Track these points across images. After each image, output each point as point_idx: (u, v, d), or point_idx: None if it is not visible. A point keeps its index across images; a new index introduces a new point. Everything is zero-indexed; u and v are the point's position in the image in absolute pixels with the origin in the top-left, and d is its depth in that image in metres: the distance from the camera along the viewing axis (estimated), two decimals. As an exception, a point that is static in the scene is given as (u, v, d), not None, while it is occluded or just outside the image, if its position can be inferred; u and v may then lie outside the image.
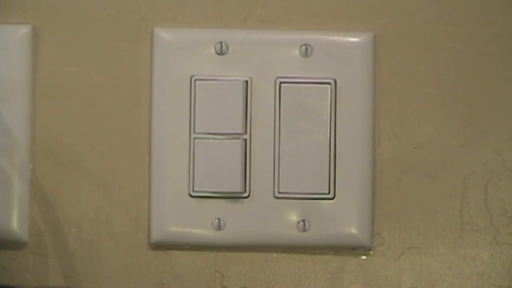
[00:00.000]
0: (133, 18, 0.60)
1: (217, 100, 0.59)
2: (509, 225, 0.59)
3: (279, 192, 0.59)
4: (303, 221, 0.59)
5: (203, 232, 0.59)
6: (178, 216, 0.59)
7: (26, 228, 0.60)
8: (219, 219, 0.59)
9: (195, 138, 0.59)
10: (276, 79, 0.59)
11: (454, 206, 0.59)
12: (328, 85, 0.59)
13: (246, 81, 0.59)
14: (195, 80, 0.59)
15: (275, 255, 0.60)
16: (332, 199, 0.59)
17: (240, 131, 0.59)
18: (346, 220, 0.59)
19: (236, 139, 0.59)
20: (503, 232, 0.59)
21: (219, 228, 0.59)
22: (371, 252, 0.60)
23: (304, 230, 0.59)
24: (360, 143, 0.59)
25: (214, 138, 0.59)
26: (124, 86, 0.60)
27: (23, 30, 0.59)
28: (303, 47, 0.59)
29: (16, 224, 0.60)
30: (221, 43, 0.59)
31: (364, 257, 0.60)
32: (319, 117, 0.59)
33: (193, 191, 0.59)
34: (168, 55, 0.59)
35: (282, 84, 0.59)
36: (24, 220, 0.60)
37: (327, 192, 0.59)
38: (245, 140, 0.59)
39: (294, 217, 0.59)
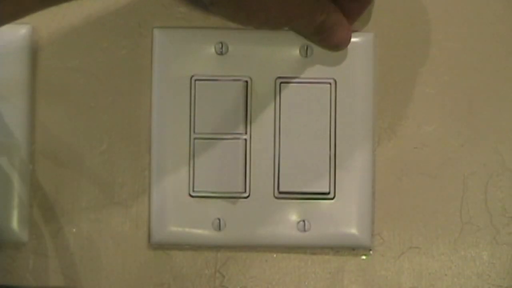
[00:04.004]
0: (133, 18, 0.60)
1: (217, 100, 0.59)
2: (509, 225, 0.59)
3: (279, 192, 0.59)
4: (303, 221, 0.59)
5: (203, 232, 0.59)
6: (178, 216, 0.59)
7: (26, 228, 0.60)
8: (219, 219, 0.59)
9: (195, 138, 0.59)
10: (276, 79, 0.59)
11: (454, 206, 0.59)
12: (328, 85, 0.59)
13: (246, 81, 0.59)
14: (195, 80, 0.59)
15: (275, 255, 0.60)
16: (332, 199, 0.59)
17: (240, 131, 0.59)
18: (346, 220, 0.59)
19: (236, 139, 0.59)
20: (503, 232, 0.59)
21: (219, 228, 0.59)
22: (371, 252, 0.60)
23: (304, 230, 0.59)
24: (360, 143, 0.59)
25: (214, 138, 0.59)
26: (124, 86, 0.60)
27: (23, 30, 0.59)
28: (303, 47, 0.59)
29: (16, 224, 0.60)
30: (221, 43, 0.59)
31: (364, 257, 0.60)
32: (319, 117, 0.59)
33: (193, 191, 0.59)
34: (168, 55, 0.59)
35: (282, 84, 0.59)
36: (24, 220, 0.60)
37: (327, 192, 0.59)
38: (245, 140, 0.59)
39: (294, 217, 0.59)
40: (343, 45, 0.58)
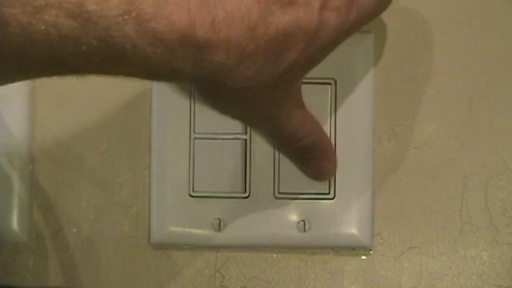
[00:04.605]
0: (133, 18, 0.60)
1: (217, 100, 0.59)
2: (509, 225, 0.59)
3: (279, 192, 0.59)
4: (303, 221, 0.59)
5: (203, 232, 0.59)
6: (178, 216, 0.59)
7: (26, 228, 0.60)
8: (219, 219, 0.59)
9: (195, 138, 0.59)
10: (276, 79, 0.59)
11: (454, 206, 0.59)
12: (328, 85, 0.59)
13: (246, 81, 0.59)
14: (195, 80, 0.59)
15: (275, 255, 0.60)
16: (332, 199, 0.59)
17: (240, 131, 0.59)
18: (346, 220, 0.59)
19: (236, 139, 0.59)
20: (503, 232, 0.59)
21: (219, 228, 0.59)
22: (371, 252, 0.60)
23: (304, 230, 0.59)
24: (360, 143, 0.59)
25: (214, 138, 0.59)
26: (124, 86, 0.60)
27: (23, 30, 0.59)
28: (303, 47, 0.59)
29: (16, 224, 0.60)
30: (221, 43, 0.59)
31: (364, 257, 0.60)
32: (319, 117, 0.59)
33: (193, 191, 0.59)
34: (168, 55, 0.59)
35: (282, 84, 0.59)
36: (24, 220, 0.60)
37: (327, 192, 0.59)
38: (245, 140, 0.59)
39: (294, 217, 0.59)
40: (325, 178, 0.58)
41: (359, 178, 0.59)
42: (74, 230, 0.60)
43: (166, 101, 0.59)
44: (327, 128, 0.59)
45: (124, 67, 0.42)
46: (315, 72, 0.59)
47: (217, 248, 0.60)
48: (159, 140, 0.59)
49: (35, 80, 0.60)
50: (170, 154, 0.59)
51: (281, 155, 0.59)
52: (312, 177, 0.58)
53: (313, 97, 0.59)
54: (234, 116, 0.51)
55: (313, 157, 0.56)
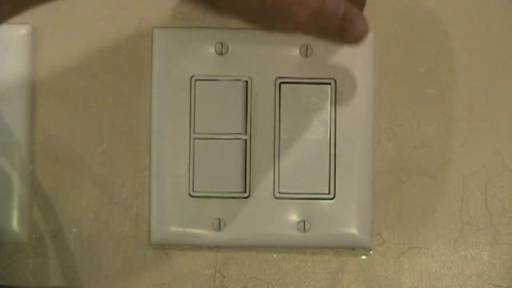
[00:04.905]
0: (133, 18, 0.60)
1: (217, 100, 0.59)
2: (509, 225, 0.59)
3: (279, 192, 0.59)
4: (303, 221, 0.59)
5: (203, 232, 0.59)
6: (178, 216, 0.59)
7: (26, 228, 0.60)
8: (219, 219, 0.59)
9: (195, 138, 0.59)
10: (276, 79, 0.59)
11: (454, 206, 0.59)
12: (328, 85, 0.59)
13: (246, 81, 0.59)
14: (195, 80, 0.59)
15: (275, 255, 0.60)
16: (332, 199, 0.59)
17: (240, 131, 0.59)
18: (346, 220, 0.59)
19: (236, 139, 0.59)
20: (503, 232, 0.59)
21: (219, 228, 0.59)
22: (371, 252, 0.60)
23: (304, 230, 0.59)
24: (360, 143, 0.59)
25: (214, 138, 0.59)
26: (124, 86, 0.60)
27: (23, 30, 0.59)
28: (303, 47, 0.59)
29: (16, 224, 0.60)
30: (221, 43, 0.59)
31: (364, 257, 0.60)
32: (319, 117, 0.59)
33: (193, 191, 0.59)
34: (168, 55, 0.59)
35: (282, 84, 0.59)
36: (24, 220, 0.60)
37: (327, 192, 0.59)
38: (245, 140, 0.59)
39: (294, 217, 0.59)
40: (363, 38, 0.51)
41: (359, 178, 0.59)
42: (74, 230, 0.60)
43: (166, 101, 0.59)
44: (327, 128, 0.59)
45: None
46: (315, 72, 0.59)
47: (217, 248, 0.60)
48: (159, 140, 0.59)
49: (35, 80, 0.60)
50: (170, 154, 0.59)
51: (281, 155, 0.59)
52: (350, 42, 0.51)
53: (313, 97, 0.59)
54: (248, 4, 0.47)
55: (348, 22, 0.49)
